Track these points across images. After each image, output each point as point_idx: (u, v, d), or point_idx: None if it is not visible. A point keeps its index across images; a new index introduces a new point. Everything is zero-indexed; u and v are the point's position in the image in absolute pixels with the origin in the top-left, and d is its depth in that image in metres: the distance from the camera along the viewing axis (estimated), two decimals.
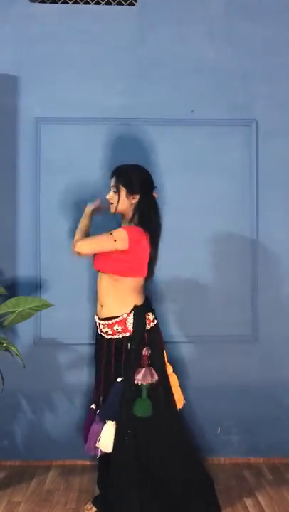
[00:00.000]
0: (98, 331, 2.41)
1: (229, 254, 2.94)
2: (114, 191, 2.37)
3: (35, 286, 2.89)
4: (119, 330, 2.31)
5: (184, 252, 2.89)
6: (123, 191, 2.35)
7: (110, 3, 2.95)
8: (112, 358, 2.32)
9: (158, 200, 2.44)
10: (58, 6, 2.93)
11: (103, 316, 2.36)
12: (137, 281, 2.36)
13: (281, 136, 2.94)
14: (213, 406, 2.92)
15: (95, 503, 2.46)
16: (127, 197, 2.35)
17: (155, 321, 2.40)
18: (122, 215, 2.44)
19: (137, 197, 2.36)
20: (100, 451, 2.28)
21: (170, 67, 2.91)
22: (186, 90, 2.91)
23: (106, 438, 2.26)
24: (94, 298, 2.66)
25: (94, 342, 2.48)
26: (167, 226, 2.82)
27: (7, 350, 2.57)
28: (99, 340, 2.41)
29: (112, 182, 2.38)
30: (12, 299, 2.59)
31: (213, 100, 2.92)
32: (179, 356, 2.89)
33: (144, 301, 2.39)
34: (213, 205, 2.91)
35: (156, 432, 2.29)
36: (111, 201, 2.39)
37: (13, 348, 2.53)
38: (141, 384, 2.26)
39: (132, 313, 2.32)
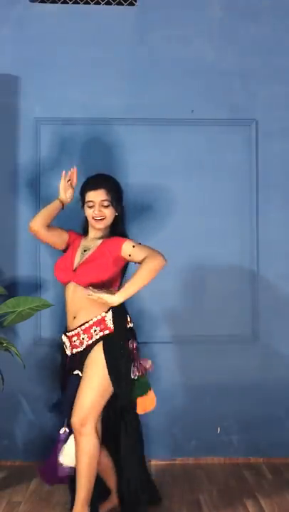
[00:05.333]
0: (67, 351, 2.32)
1: (229, 254, 2.94)
2: (105, 206, 2.31)
3: (35, 286, 2.88)
4: (97, 331, 2.25)
5: (184, 251, 2.89)
6: (112, 206, 2.33)
7: (110, 3, 2.95)
8: (87, 364, 2.25)
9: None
10: (58, 6, 2.93)
11: (77, 324, 2.27)
12: None
13: (281, 136, 2.94)
14: (213, 406, 2.92)
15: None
16: (114, 211, 2.36)
17: (132, 324, 2.35)
18: (89, 224, 2.40)
19: (118, 209, 2.37)
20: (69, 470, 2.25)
21: (170, 67, 2.91)
22: (186, 90, 2.91)
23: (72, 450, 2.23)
24: None
25: (62, 364, 2.39)
26: (167, 226, 2.83)
27: (7, 350, 2.57)
28: (70, 359, 2.31)
29: (103, 196, 2.30)
30: (12, 299, 2.59)
31: (213, 100, 2.92)
32: (179, 356, 2.89)
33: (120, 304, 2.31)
34: (213, 205, 2.91)
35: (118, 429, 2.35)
36: (100, 217, 2.32)
37: (13, 348, 2.53)
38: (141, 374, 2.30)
39: (110, 311, 2.26)
